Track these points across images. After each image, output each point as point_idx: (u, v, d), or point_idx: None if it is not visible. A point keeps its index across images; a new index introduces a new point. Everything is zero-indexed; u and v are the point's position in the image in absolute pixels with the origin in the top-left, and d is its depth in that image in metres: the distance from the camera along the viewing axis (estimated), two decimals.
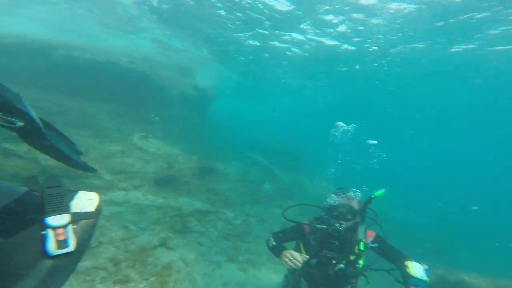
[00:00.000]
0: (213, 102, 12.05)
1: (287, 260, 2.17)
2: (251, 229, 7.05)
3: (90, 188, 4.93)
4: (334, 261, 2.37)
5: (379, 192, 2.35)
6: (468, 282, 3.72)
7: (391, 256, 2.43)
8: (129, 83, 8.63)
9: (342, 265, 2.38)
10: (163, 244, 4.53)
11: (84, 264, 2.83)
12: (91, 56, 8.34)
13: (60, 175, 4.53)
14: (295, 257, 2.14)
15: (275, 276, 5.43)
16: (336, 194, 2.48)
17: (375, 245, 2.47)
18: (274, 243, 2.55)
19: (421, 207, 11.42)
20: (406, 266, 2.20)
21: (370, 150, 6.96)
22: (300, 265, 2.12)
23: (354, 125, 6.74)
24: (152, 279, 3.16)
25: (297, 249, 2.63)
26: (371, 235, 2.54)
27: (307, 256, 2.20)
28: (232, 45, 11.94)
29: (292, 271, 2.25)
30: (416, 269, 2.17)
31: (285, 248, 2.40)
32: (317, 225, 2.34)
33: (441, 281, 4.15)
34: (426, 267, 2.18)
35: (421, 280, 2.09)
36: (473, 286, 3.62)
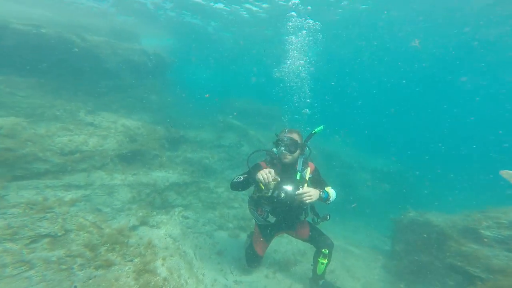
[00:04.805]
0: (169, 68, 10.79)
1: (263, 174, 2.53)
2: (236, 195, 7.07)
3: (37, 174, 4.20)
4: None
5: (318, 129, 2.93)
6: (435, 222, 4.51)
7: (318, 185, 3.08)
8: (47, 53, 6.99)
9: None
10: (144, 222, 4.24)
11: (55, 253, 2.45)
12: None
13: None
14: (271, 172, 2.56)
15: None
16: (282, 131, 3.00)
17: (310, 175, 3.04)
18: (242, 178, 2.89)
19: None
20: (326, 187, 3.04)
21: None
22: (272, 180, 2.55)
23: None
24: (136, 260, 2.94)
25: (257, 190, 2.99)
26: (311, 167, 3.11)
27: (278, 178, 2.61)
28: None
29: (266, 185, 2.62)
30: (330, 190, 2.99)
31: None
32: (274, 160, 2.90)
33: (412, 223, 4.76)
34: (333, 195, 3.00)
35: (328, 193, 2.93)
36: (437, 225, 4.47)
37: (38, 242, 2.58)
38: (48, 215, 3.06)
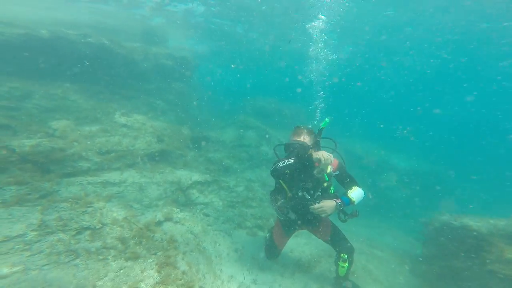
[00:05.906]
0: (194, 70, 11.38)
1: (325, 155, 2.52)
2: (254, 195, 7.34)
3: (81, 172, 4.88)
4: (311, 191, 2.85)
5: (325, 122, 2.88)
6: (473, 226, 4.27)
7: (344, 181, 2.96)
8: (91, 59, 7.86)
9: (319, 193, 2.91)
10: (168, 218, 4.70)
11: (94, 244, 2.94)
12: (24, 31, 7.21)
13: (43, 160, 4.40)
14: (330, 156, 2.57)
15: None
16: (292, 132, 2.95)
17: (336, 172, 2.95)
18: (292, 161, 2.70)
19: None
20: (351, 188, 2.82)
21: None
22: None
23: None
24: (159, 253, 3.32)
25: (279, 188, 3.07)
26: (334, 163, 3.00)
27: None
28: None
29: (322, 165, 2.64)
30: (355, 191, 2.78)
31: None
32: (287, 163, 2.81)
33: (447, 227, 4.55)
34: (369, 196, 2.90)
35: (349, 199, 2.73)
36: (476, 229, 4.20)
37: (82, 233, 3.11)
38: (89, 209, 3.62)
